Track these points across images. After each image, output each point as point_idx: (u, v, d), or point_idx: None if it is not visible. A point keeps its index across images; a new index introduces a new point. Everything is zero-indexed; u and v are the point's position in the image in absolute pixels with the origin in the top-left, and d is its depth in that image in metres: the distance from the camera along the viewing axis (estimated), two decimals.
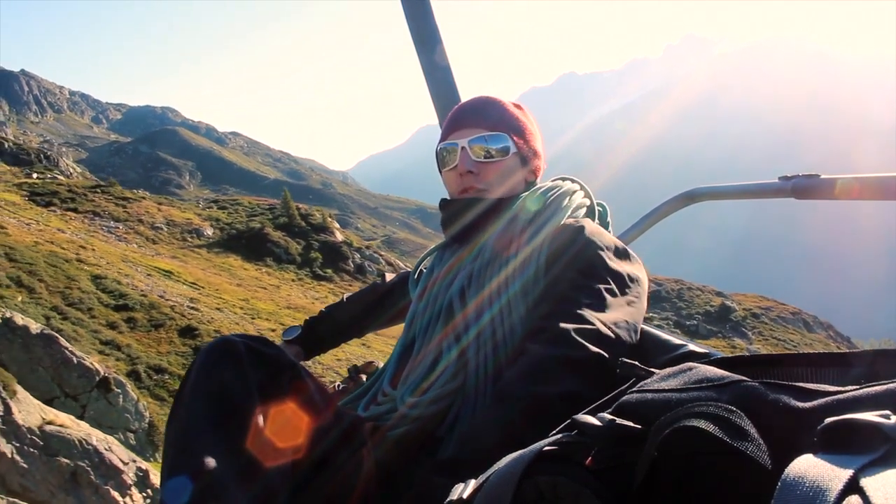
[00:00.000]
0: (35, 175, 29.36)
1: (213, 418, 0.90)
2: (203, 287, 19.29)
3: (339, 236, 33.13)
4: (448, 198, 1.33)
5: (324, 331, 1.65)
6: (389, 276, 1.69)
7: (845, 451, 0.44)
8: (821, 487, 0.40)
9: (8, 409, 5.34)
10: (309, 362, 2.26)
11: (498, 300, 1.13)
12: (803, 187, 1.34)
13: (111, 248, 20.55)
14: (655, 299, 33.41)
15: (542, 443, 0.61)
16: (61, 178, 31.31)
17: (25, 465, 5.10)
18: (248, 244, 28.83)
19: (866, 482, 0.40)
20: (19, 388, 5.80)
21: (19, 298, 12.52)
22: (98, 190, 29.00)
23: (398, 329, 1.38)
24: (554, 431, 0.66)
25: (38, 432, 5.43)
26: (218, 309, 16.99)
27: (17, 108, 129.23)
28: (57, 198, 25.89)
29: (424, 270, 1.36)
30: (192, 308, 15.31)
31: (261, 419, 0.92)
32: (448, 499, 0.60)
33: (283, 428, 0.95)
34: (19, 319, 8.28)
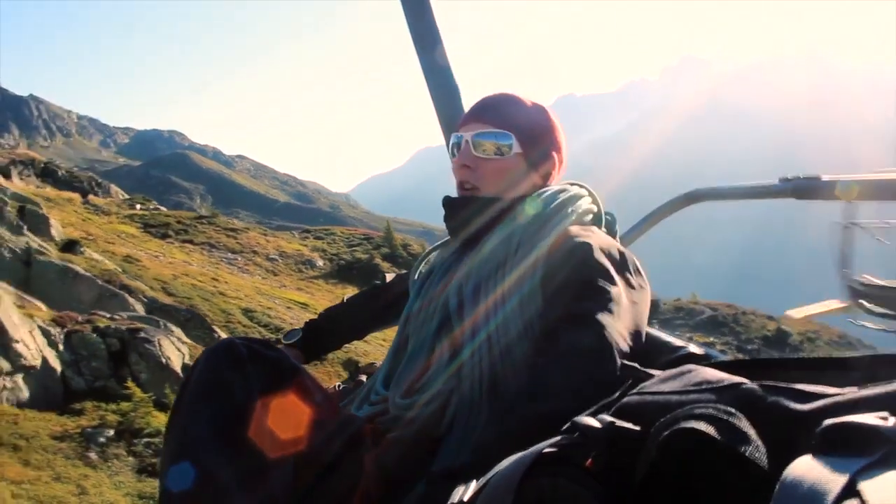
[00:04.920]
0: (138, 206, 29.20)
1: (214, 420, 0.90)
2: None
3: None
4: (452, 195, 1.31)
5: (324, 333, 1.65)
6: (390, 277, 1.69)
7: (844, 454, 0.44)
8: (819, 490, 0.40)
9: None
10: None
11: (495, 298, 1.10)
12: (804, 188, 1.35)
13: (240, 280, 20.28)
14: (713, 325, 33.54)
15: (542, 444, 0.61)
16: (162, 208, 31.31)
17: None
18: (359, 275, 29.18)
19: (864, 485, 0.40)
20: None
21: None
22: (204, 221, 28.92)
23: None
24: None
25: None
26: (365, 341, 16.78)
27: (26, 132, 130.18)
28: (171, 229, 25.65)
29: (423, 270, 1.35)
30: None
31: (262, 421, 0.93)
32: (449, 501, 0.60)
33: (284, 429, 0.95)
34: None
